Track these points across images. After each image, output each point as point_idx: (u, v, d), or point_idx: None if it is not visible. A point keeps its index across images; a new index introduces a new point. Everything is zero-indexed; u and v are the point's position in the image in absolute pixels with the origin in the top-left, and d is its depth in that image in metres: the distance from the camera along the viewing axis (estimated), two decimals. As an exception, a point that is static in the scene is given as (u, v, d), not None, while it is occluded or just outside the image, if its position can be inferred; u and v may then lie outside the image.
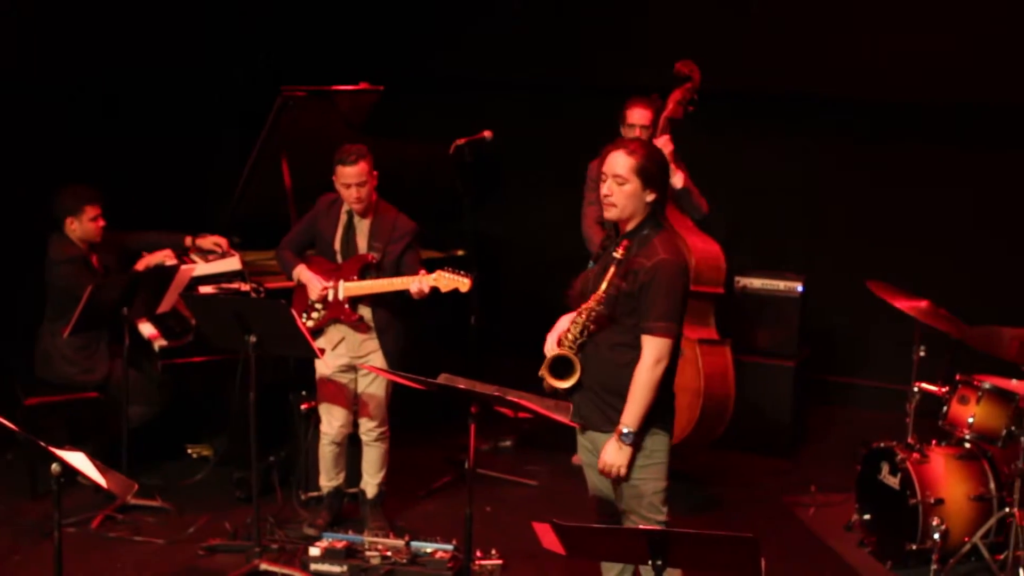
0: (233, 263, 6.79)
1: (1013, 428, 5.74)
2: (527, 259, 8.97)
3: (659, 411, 4.46)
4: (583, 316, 4.44)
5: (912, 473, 5.78)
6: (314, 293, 5.98)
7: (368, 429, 6.14)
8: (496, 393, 4.39)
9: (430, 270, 5.86)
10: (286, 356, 6.35)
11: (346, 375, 6.10)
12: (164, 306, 6.50)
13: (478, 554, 5.49)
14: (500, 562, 5.54)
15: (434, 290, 5.84)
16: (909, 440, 6.05)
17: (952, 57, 7.71)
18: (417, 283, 5.80)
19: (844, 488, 6.60)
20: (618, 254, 4.41)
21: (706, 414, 6.49)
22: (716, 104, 6.85)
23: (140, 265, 6.71)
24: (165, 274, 6.52)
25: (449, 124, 7.37)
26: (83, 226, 6.61)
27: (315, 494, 6.44)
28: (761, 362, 7.45)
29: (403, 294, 5.87)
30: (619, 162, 4.42)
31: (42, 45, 7.43)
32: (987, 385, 5.89)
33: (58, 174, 6.91)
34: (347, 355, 6.06)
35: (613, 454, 4.42)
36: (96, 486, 4.50)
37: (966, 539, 5.73)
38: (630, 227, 4.46)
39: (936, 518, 5.71)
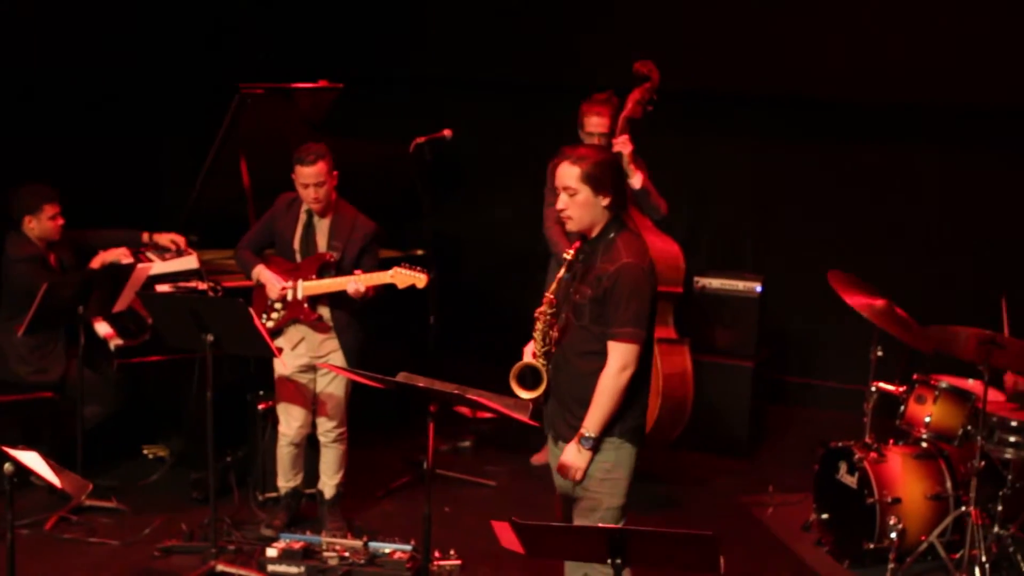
0: (190, 261, 6.74)
1: (969, 427, 5.79)
2: (486, 259, 8.96)
3: (629, 421, 4.42)
4: (540, 322, 4.42)
5: (870, 472, 5.81)
6: (273, 293, 5.94)
7: (326, 430, 6.10)
8: (455, 391, 4.37)
9: (387, 268, 5.84)
10: (244, 355, 6.31)
11: (305, 375, 6.06)
12: (120, 305, 6.43)
13: (436, 554, 5.48)
14: (459, 562, 5.53)
15: (390, 288, 5.81)
16: (867, 439, 6.08)
17: (905, 57, 7.78)
18: (354, 283, 5.78)
19: (802, 488, 6.63)
20: (568, 255, 4.40)
21: (664, 414, 6.50)
22: (675, 104, 6.86)
23: (95, 263, 6.63)
24: (121, 272, 6.45)
25: (409, 123, 7.34)
26: (41, 224, 6.54)
27: (272, 495, 6.40)
28: (720, 362, 7.47)
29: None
30: (566, 173, 4.38)
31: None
32: (944, 384, 5.94)
33: (15, 172, 6.83)
34: (307, 355, 6.02)
35: (572, 455, 4.39)
36: (50, 486, 4.46)
37: (923, 538, 5.77)
38: (595, 234, 4.43)
39: (893, 517, 5.75)
